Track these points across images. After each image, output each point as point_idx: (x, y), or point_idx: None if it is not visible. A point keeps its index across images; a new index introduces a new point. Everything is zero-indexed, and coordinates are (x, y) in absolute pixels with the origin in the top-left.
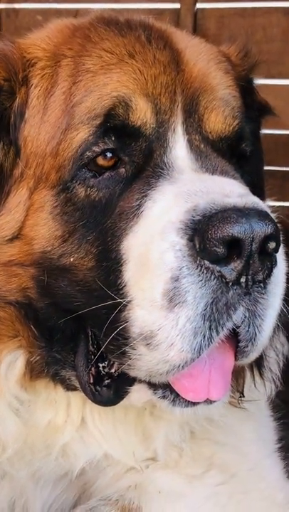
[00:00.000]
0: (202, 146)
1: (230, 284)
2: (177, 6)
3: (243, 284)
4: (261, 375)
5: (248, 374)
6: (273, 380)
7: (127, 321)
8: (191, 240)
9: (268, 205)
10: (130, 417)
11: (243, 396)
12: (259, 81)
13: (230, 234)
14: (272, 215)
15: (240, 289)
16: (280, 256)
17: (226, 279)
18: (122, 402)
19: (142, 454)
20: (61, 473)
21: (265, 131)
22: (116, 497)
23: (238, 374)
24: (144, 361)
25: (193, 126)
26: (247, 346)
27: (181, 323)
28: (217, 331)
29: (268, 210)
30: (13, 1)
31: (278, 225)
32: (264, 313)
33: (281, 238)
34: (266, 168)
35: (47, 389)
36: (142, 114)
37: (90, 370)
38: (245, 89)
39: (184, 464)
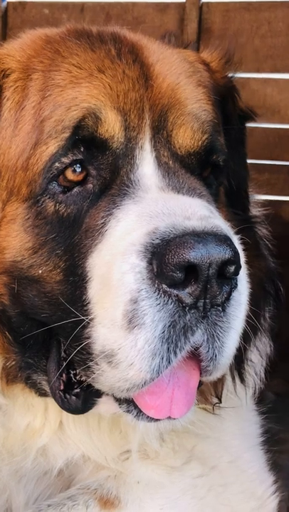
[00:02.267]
0: (170, 162)
1: (188, 307)
2: None
3: (201, 308)
4: (242, 380)
5: (228, 379)
6: (255, 383)
7: (90, 337)
8: (150, 263)
9: (258, 200)
10: (103, 425)
11: (220, 402)
12: (264, 75)
13: (186, 259)
14: (234, 238)
15: (198, 312)
16: (242, 278)
17: (183, 302)
18: (92, 411)
19: (116, 456)
20: (42, 471)
21: (268, 125)
22: (95, 486)
23: (217, 380)
24: (106, 377)
25: (161, 142)
26: (209, 366)
27: (140, 344)
28: (175, 353)
29: (229, 233)
30: None
31: (240, 248)
32: (224, 335)
33: (242, 261)
34: (270, 162)
35: (24, 393)
36: (111, 127)
37: (61, 376)
38: (226, 96)
39: (164, 455)
